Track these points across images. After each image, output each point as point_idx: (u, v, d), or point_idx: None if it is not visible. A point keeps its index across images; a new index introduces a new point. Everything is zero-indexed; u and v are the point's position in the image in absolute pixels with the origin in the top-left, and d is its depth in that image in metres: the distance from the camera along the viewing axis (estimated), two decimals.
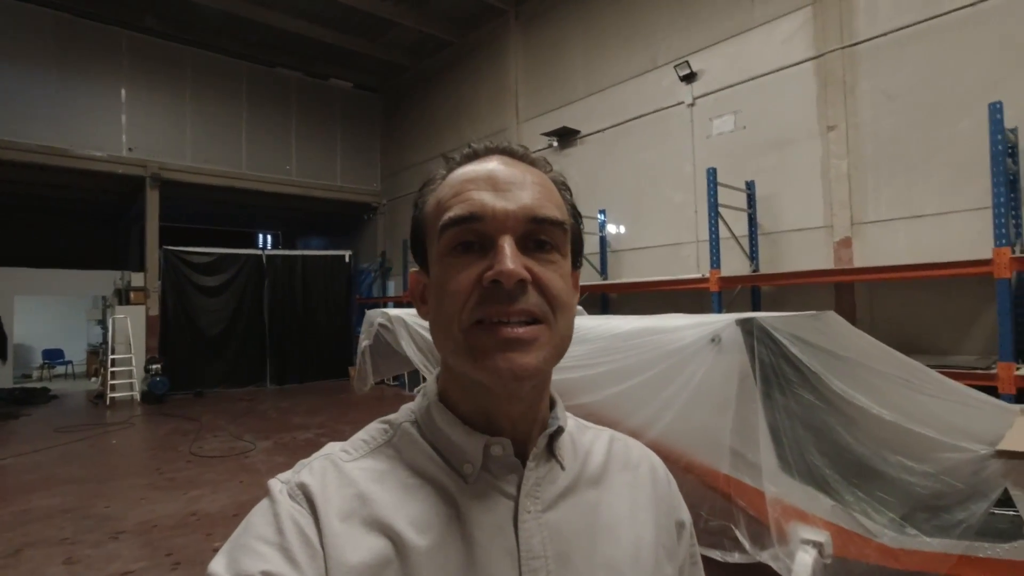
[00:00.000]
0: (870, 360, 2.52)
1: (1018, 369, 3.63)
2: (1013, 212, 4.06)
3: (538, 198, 0.52)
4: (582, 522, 0.54)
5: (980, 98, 4.04)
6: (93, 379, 11.01)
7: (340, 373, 11.06)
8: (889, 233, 4.87)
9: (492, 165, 0.53)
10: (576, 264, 0.58)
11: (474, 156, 0.56)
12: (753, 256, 5.70)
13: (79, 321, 13.56)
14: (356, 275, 12.12)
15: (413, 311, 4.12)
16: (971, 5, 4.41)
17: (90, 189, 10.49)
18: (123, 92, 9.27)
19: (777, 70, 5.66)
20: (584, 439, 0.62)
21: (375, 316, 4.10)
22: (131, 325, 8.98)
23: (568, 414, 0.62)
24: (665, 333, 2.71)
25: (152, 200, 9.36)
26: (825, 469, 2.17)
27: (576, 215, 0.58)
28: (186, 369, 9.54)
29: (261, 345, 10.68)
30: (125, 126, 9.26)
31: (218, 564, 0.45)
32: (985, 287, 4.02)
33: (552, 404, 0.59)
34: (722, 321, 2.53)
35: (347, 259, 11.83)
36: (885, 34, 4.90)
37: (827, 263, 5.21)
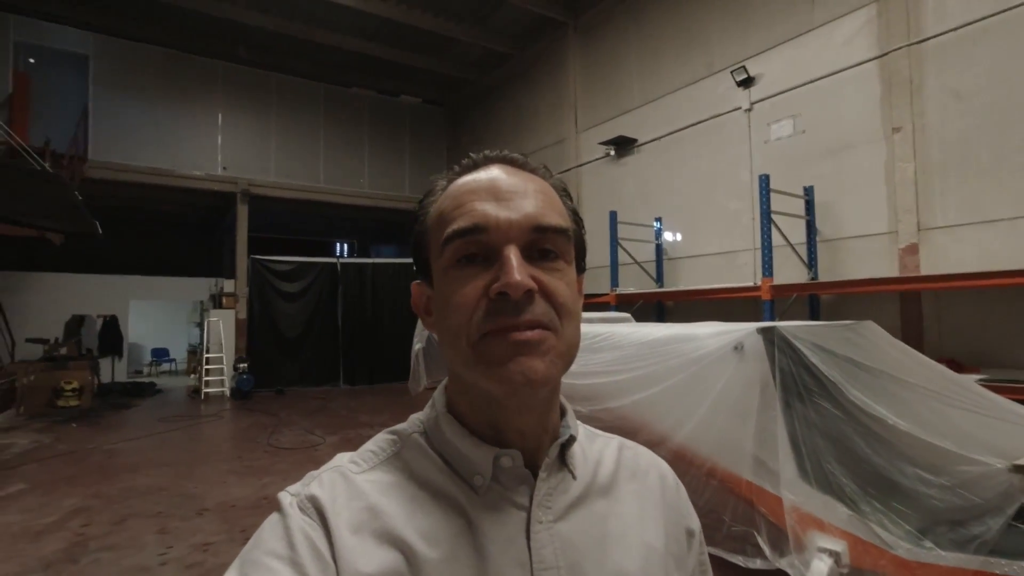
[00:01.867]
0: (902, 371, 2.48)
1: None
2: None
3: (541, 206, 0.51)
4: (593, 532, 0.54)
5: None
6: (192, 376, 12.18)
7: (406, 375, 11.40)
8: (958, 240, 4.61)
9: (493, 174, 0.53)
10: (580, 269, 0.58)
11: (473, 166, 0.56)
12: (811, 264, 5.53)
13: (182, 323, 15.03)
14: None
15: None
16: None
17: (190, 204, 11.66)
18: (219, 116, 10.30)
19: (838, 71, 5.49)
20: (594, 447, 0.61)
21: None
22: (223, 327, 9.90)
23: (578, 422, 0.61)
24: (690, 341, 2.79)
25: (242, 213, 10.30)
26: (842, 478, 2.19)
27: (578, 220, 0.58)
28: (268, 368, 10.36)
29: (334, 347, 11.38)
30: (220, 147, 10.28)
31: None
32: None
33: (563, 413, 0.58)
34: (745, 330, 2.58)
35: (415, 267, 12.37)
36: (955, 29, 4.67)
37: (892, 271, 4.99)
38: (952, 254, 4.62)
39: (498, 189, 0.51)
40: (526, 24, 9.33)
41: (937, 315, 4.76)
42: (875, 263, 5.14)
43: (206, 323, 10.01)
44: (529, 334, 0.48)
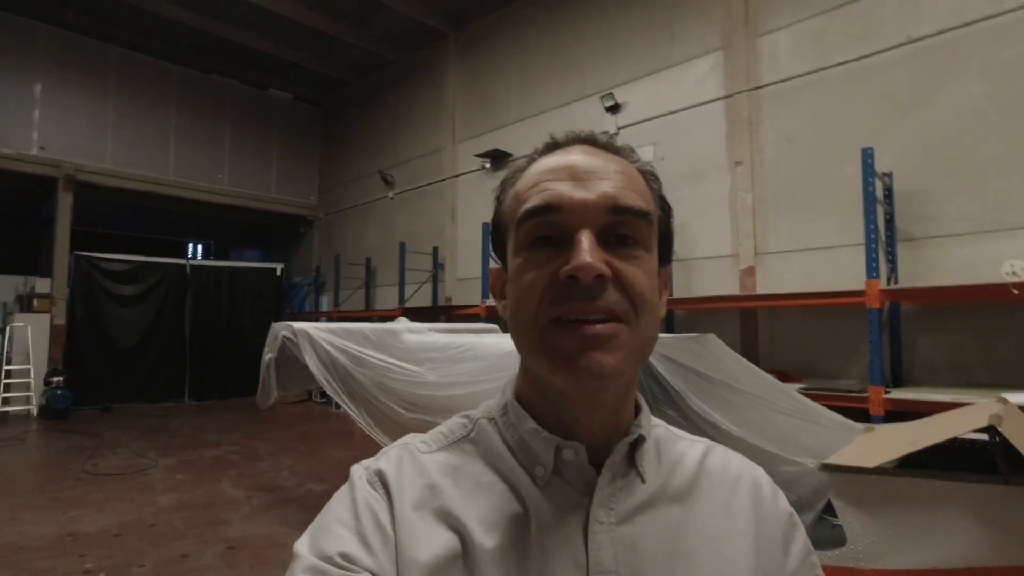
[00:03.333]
0: (737, 381, 2.69)
1: (887, 393, 3.93)
2: (888, 248, 4.45)
3: (620, 187, 0.49)
4: (661, 540, 0.50)
5: (862, 144, 4.41)
6: None
7: None
8: (786, 264, 5.22)
9: (573, 156, 0.51)
10: (665, 260, 0.55)
11: (555, 147, 0.54)
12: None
13: None
14: (288, 289, 11.80)
15: (323, 325, 4.07)
16: (855, 60, 4.84)
17: None
18: (37, 88, 8.78)
19: (692, 106, 6.01)
20: (674, 450, 0.58)
21: (280, 328, 4.03)
22: (31, 334, 8.37)
23: (661, 422, 0.59)
24: None
25: (64, 202, 8.84)
26: None
27: (665, 207, 0.55)
28: (94, 383, 8.95)
29: (180, 359, 10.17)
30: (37, 122, 8.75)
31: (302, 544, 0.47)
32: (865, 317, 4.36)
33: (637, 411, 0.55)
34: None
35: (278, 272, 11.51)
36: (784, 80, 5.31)
37: (734, 289, 5.51)
38: (782, 276, 5.21)
39: (576, 169, 0.49)
40: (408, 31, 9.15)
41: (770, 330, 5.33)
42: (721, 282, 5.65)
43: (8, 328, 8.41)
44: (600, 328, 0.45)
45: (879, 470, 1.70)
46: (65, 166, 8.84)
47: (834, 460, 1.93)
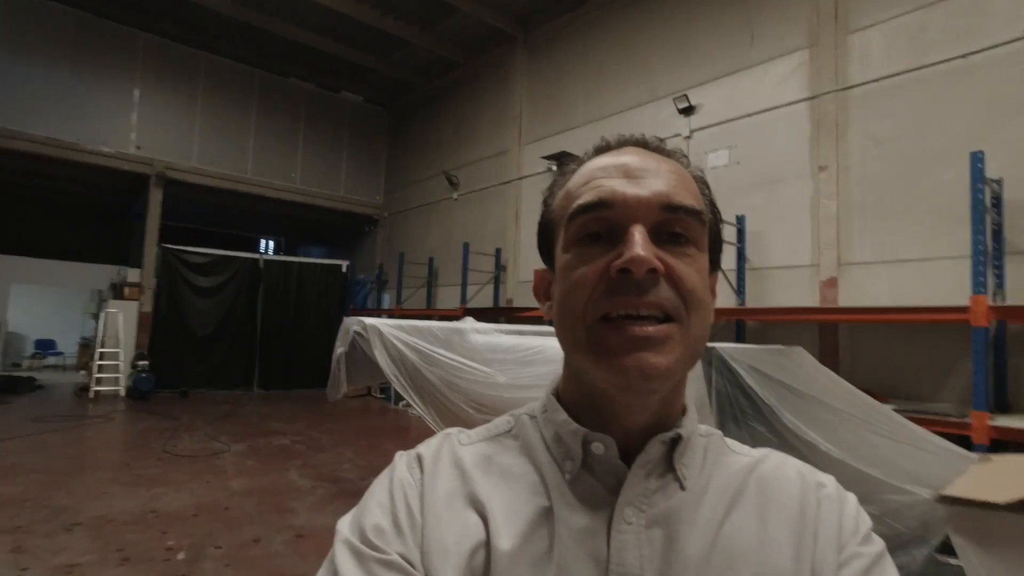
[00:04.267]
0: (830, 398, 2.51)
1: (992, 419, 3.59)
2: (995, 262, 4.07)
3: (673, 185, 0.49)
4: (698, 547, 0.47)
5: (964, 148, 4.05)
6: (82, 372, 11.00)
7: (327, 382, 11.00)
8: (872, 276, 4.88)
9: (626, 157, 0.51)
10: (714, 264, 0.54)
11: (607, 148, 0.55)
12: (740, 290, 5.70)
13: (75, 314, 13.61)
14: (352, 286, 12.16)
15: (392, 321, 4.13)
16: (961, 57, 4.48)
17: (96, 184, 10.61)
18: (136, 92, 9.46)
19: (772, 108, 5.74)
20: (724, 459, 0.54)
21: (351, 324, 4.11)
22: (122, 320, 9.00)
23: (716, 432, 0.56)
24: None
25: (155, 198, 9.47)
26: None
27: (716, 212, 0.54)
28: (173, 368, 9.51)
29: (250, 349, 10.66)
30: (135, 124, 9.42)
31: (344, 520, 0.50)
32: (964, 335, 4.00)
33: (683, 413, 0.53)
34: None
35: (343, 269, 11.87)
36: (876, 80, 4.98)
37: (813, 301, 5.21)
38: (867, 289, 4.88)
39: (628, 167, 0.50)
40: (476, 34, 9.25)
41: (851, 345, 5.00)
42: (798, 293, 5.35)
43: (103, 314, 9.06)
44: (651, 330, 0.44)
45: (1015, 507, 1.52)
46: (157, 164, 9.46)
47: (954, 491, 1.75)
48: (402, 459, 0.54)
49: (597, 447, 0.49)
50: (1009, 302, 3.95)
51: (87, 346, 11.51)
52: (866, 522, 0.51)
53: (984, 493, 1.64)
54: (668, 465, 0.50)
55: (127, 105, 9.38)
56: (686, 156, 0.55)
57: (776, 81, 5.74)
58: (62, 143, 8.69)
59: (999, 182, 4.12)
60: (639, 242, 0.45)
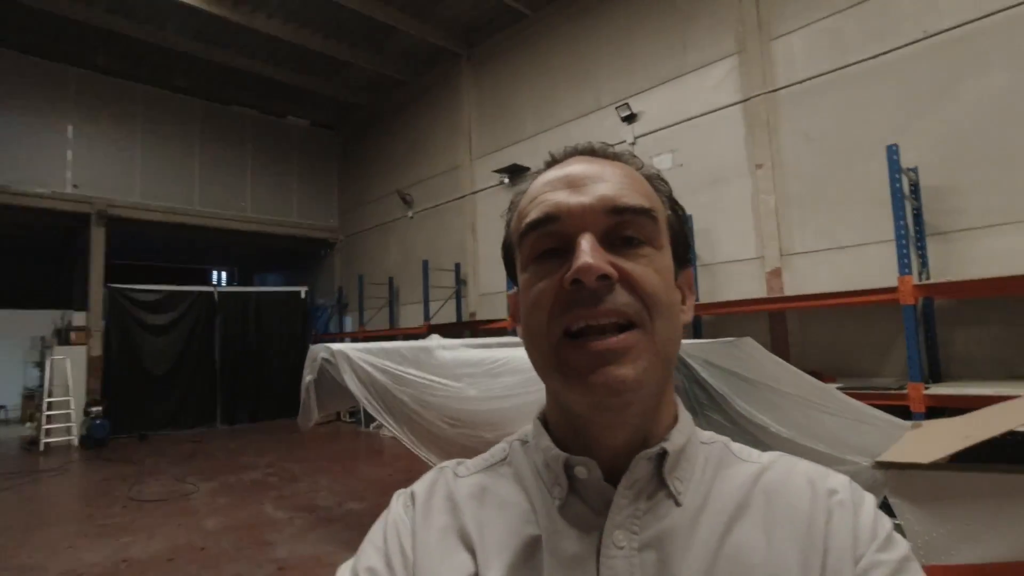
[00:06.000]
0: (777, 382, 2.69)
1: (927, 389, 3.89)
2: (918, 243, 4.42)
3: (619, 188, 0.48)
4: (696, 569, 0.44)
5: (886, 140, 4.41)
6: (28, 424, 10.43)
7: (294, 411, 10.67)
8: (814, 264, 5.20)
9: (570, 167, 0.51)
10: (683, 261, 0.53)
11: (554, 162, 0.54)
12: (693, 287, 5.95)
13: (16, 364, 12.87)
14: (312, 311, 11.98)
15: (360, 345, 4.15)
16: (873, 57, 4.86)
17: (31, 226, 10.16)
18: (70, 128, 9.12)
19: (709, 112, 6.05)
20: (729, 470, 0.51)
21: (318, 351, 4.12)
22: (70, 366, 8.61)
23: (721, 439, 0.54)
24: None
25: (97, 237, 9.13)
26: None
27: (676, 208, 0.54)
28: (130, 411, 9.15)
29: (211, 385, 10.36)
30: (71, 163, 9.08)
31: (345, 564, 0.51)
32: (897, 313, 4.32)
33: (675, 423, 0.51)
34: None
35: (302, 295, 11.69)
36: (801, 82, 5.33)
37: (761, 292, 5.50)
38: (810, 276, 5.19)
39: (571, 177, 0.49)
40: (420, 52, 9.35)
41: (800, 331, 5.30)
42: (747, 285, 5.64)
43: (49, 362, 8.65)
44: (612, 341, 0.43)
45: (937, 466, 1.70)
46: (97, 202, 9.13)
47: (888, 457, 1.94)
48: (398, 499, 0.54)
49: (580, 471, 0.47)
50: (933, 280, 4.29)
51: (31, 397, 10.92)
52: (885, 525, 0.47)
53: (912, 456, 1.83)
54: (660, 482, 0.48)
55: (61, 143, 9.03)
56: (636, 156, 0.54)
57: (711, 86, 6.06)
58: None
59: (915, 170, 4.48)
60: (586, 250, 0.44)
